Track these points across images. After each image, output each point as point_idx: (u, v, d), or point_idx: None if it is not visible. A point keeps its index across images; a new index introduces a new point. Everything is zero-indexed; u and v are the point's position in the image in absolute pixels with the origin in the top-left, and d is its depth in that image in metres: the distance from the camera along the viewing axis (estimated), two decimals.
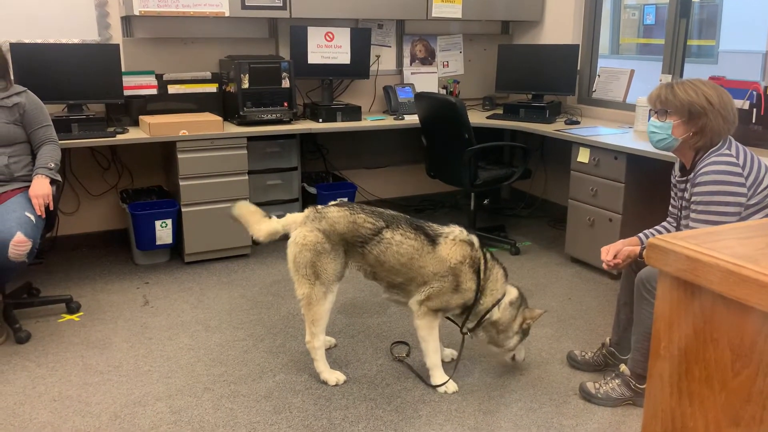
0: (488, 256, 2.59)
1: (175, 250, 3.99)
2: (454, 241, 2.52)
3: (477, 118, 4.47)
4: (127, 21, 4.01)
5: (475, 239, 2.57)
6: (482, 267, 2.54)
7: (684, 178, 2.37)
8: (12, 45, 3.55)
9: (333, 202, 2.66)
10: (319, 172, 4.69)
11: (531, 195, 5.14)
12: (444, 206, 5.19)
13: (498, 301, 2.57)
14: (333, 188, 4.40)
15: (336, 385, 2.61)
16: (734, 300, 0.83)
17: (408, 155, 4.97)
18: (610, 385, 2.50)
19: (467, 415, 2.43)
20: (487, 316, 2.57)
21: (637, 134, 3.82)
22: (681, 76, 4.09)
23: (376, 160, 4.95)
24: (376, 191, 5.02)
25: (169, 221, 3.77)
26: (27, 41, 3.71)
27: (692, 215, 2.26)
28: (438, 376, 2.61)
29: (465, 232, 2.57)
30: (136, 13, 3.70)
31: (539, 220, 4.90)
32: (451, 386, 2.59)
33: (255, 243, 3.38)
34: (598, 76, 4.60)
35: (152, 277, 3.75)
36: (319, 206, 2.60)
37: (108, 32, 3.97)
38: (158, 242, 3.79)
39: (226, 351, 2.90)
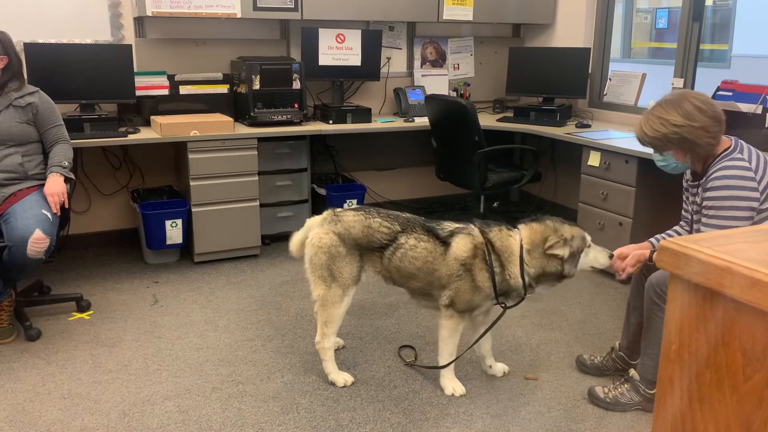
0: (489, 235, 2.47)
1: (185, 249, 4.01)
2: (460, 236, 2.50)
3: (487, 120, 4.47)
4: (140, 22, 4.03)
5: (473, 228, 2.50)
6: (487, 251, 2.43)
7: (696, 183, 2.36)
8: (26, 45, 3.58)
9: (351, 207, 2.66)
10: (328, 173, 4.69)
11: (541, 198, 5.12)
12: (454, 209, 5.18)
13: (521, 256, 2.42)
14: (343, 189, 4.40)
15: (344, 386, 2.61)
16: (746, 304, 0.83)
17: (418, 157, 4.97)
18: (619, 390, 2.49)
19: (475, 419, 2.42)
20: (526, 279, 2.44)
21: None
22: (693, 80, 4.06)
23: (386, 161, 4.95)
24: (385, 193, 5.02)
25: (179, 221, 3.78)
26: (40, 41, 3.74)
27: (704, 220, 2.25)
28: (448, 378, 2.60)
29: (472, 227, 2.53)
30: (149, 13, 3.72)
31: None
32: (459, 389, 2.58)
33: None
34: (610, 79, 4.58)
35: (162, 276, 3.77)
36: (338, 209, 2.61)
37: (121, 33, 3.99)
38: (168, 242, 3.80)
39: (234, 351, 2.91)
